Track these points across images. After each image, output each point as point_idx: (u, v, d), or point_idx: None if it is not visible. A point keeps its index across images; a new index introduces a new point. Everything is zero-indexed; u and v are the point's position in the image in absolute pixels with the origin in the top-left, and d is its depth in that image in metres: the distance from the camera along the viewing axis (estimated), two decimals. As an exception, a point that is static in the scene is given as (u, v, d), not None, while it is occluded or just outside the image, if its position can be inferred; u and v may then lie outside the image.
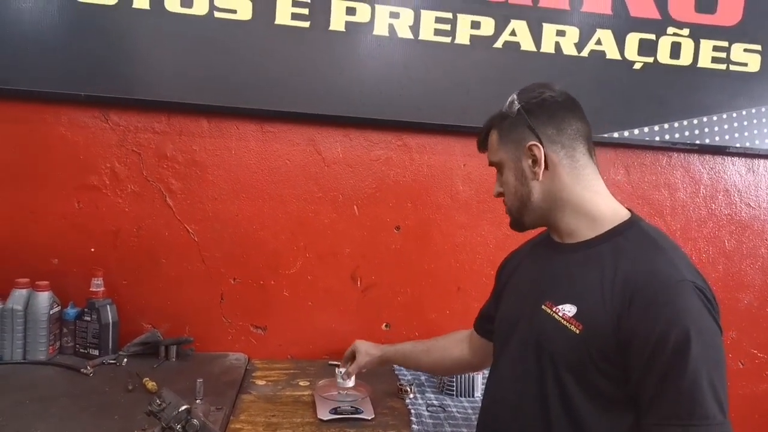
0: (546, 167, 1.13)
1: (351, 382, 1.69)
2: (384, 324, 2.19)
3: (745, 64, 2.14)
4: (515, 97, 1.17)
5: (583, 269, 1.09)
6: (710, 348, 0.96)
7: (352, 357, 1.69)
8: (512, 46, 2.05)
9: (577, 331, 1.04)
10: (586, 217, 1.13)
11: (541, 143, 1.13)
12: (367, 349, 1.68)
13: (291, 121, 2.05)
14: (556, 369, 1.07)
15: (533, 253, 1.30)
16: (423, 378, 1.95)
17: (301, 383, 1.86)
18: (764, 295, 2.36)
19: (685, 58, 2.11)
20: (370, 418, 1.59)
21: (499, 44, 2.04)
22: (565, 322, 1.06)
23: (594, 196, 1.14)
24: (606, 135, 2.12)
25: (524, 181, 1.16)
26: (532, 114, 1.14)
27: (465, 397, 1.81)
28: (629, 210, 1.15)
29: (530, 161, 1.14)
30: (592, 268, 1.08)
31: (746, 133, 2.18)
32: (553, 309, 1.09)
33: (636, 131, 2.13)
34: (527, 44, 2.06)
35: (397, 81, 2.03)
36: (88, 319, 1.89)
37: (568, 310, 1.07)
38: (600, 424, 1.04)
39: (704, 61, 2.13)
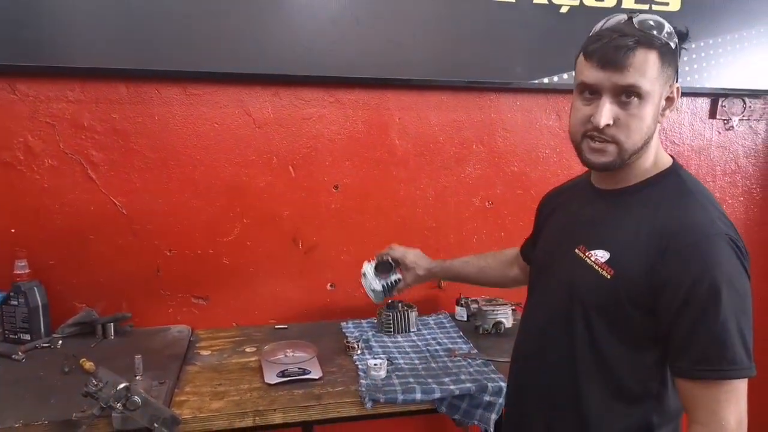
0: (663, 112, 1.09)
1: (383, 373, 1.59)
2: (329, 284, 2.18)
3: (667, 4, 2.18)
4: (671, 29, 1.04)
5: (619, 216, 1.10)
6: (740, 297, 0.99)
7: (390, 266, 1.68)
8: (440, -7, 2.01)
9: (609, 276, 1.06)
10: (646, 166, 1.11)
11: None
12: (416, 261, 1.70)
13: (216, 83, 1.96)
14: (584, 309, 1.10)
15: (573, 195, 1.28)
16: (370, 334, 1.95)
17: (248, 350, 1.84)
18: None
19: (610, 0, 2.13)
20: (318, 377, 1.60)
21: (427, -7, 2.00)
22: (597, 267, 1.08)
23: (658, 145, 1.12)
24: (536, 81, 2.14)
25: (656, 121, 1.07)
26: (679, 54, 1.07)
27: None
28: (671, 156, 1.14)
29: (667, 102, 1.07)
30: (628, 216, 1.09)
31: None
32: (586, 253, 1.11)
33: (565, 76, 2.14)
34: (455, -10, 2.02)
35: (326, 36, 1.96)
36: (15, 303, 1.79)
37: (601, 255, 1.08)
38: (623, 360, 1.08)
39: (628, 2, 2.15)
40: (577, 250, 1.14)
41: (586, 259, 1.11)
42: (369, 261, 1.73)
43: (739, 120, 2.43)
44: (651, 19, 1.04)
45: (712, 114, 2.41)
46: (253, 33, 1.91)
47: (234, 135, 2.01)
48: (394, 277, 1.69)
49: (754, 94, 2.38)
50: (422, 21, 2.02)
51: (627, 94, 1.02)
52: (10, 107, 1.84)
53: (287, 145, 2.06)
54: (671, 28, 1.05)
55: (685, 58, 2.22)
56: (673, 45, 1.05)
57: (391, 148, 2.15)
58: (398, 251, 1.72)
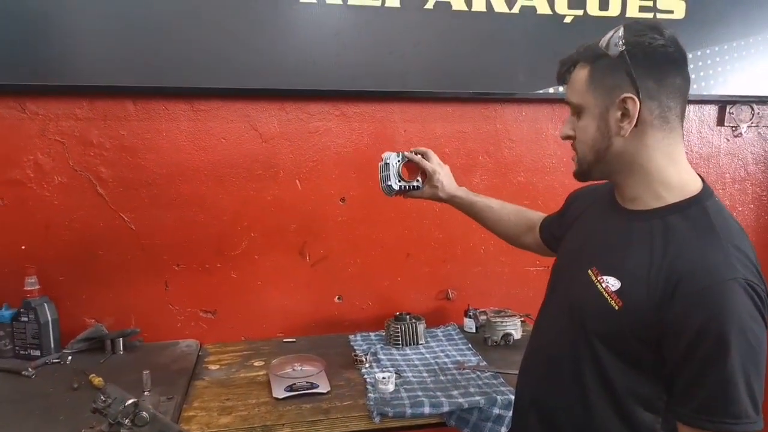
0: (636, 124, 1.01)
1: (391, 386, 1.58)
2: (336, 297, 2.17)
3: (671, 12, 2.18)
4: (621, 35, 1.00)
5: (635, 243, 1.04)
6: (751, 348, 0.91)
7: (417, 171, 1.57)
8: (443, 7, 2.01)
9: (617, 307, 1.01)
10: (654, 187, 1.04)
11: (638, 98, 1.00)
12: (442, 180, 1.56)
13: (223, 98, 1.98)
14: (586, 333, 1.06)
15: (597, 206, 1.22)
16: (378, 347, 1.95)
17: (256, 364, 1.84)
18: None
19: (614, 9, 2.13)
20: (326, 391, 1.59)
21: (429, 5, 2.00)
22: (606, 295, 1.03)
23: (670, 165, 1.04)
24: (541, 91, 2.14)
25: (606, 135, 1.04)
26: (636, 60, 0.99)
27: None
28: (703, 181, 1.06)
29: (620, 114, 1.02)
30: (643, 244, 1.02)
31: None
32: (598, 278, 1.06)
33: (570, 85, 2.14)
34: (458, 4, 2.02)
35: (330, 49, 1.97)
36: (26, 319, 1.80)
37: (612, 283, 1.03)
38: (631, 385, 1.04)
39: (632, 11, 2.15)
40: (590, 272, 1.08)
41: (598, 284, 1.06)
42: (397, 153, 1.58)
43: (748, 127, 2.41)
44: (613, 30, 1.02)
45: (720, 121, 2.40)
46: (258, 48, 1.92)
47: (241, 149, 2.02)
48: (415, 183, 1.57)
49: (762, 100, 2.37)
50: (426, 32, 2.02)
51: (573, 109, 1.09)
52: (20, 125, 1.87)
53: (294, 159, 2.07)
54: (621, 33, 1.00)
55: (692, 66, 2.22)
56: (616, 54, 1.00)
57: (397, 160, 2.15)
58: (431, 164, 1.57)
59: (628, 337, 1.00)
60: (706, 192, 1.04)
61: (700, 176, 1.08)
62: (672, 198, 1.03)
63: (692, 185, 1.05)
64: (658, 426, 1.04)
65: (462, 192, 1.59)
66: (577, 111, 1.08)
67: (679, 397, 0.97)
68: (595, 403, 1.07)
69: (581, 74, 1.05)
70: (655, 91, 1.00)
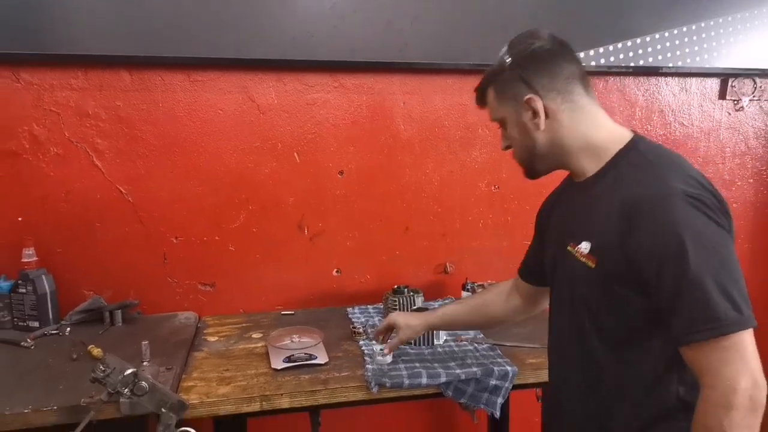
0: (547, 116, 1.14)
1: (389, 358, 1.60)
2: (335, 270, 2.18)
3: (675, -17, 2.14)
4: (505, 51, 1.17)
5: (594, 204, 1.13)
6: (711, 249, 0.97)
7: (388, 329, 1.62)
8: (444, -24, 1.98)
9: (593, 266, 1.09)
10: (590, 154, 1.15)
11: (538, 94, 1.13)
12: (407, 322, 1.58)
13: (220, 68, 1.95)
14: (586, 303, 1.13)
15: (563, 195, 1.32)
16: (377, 319, 1.96)
17: (255, 336, 1.85)
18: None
19: (616, -19, 2.10)
20: (324, 362, 1.60)
21: (430, -26, 1.97)
22: (584, 259, 1.12)
23: (595, 131, 1.15)
24: (543, 63, 2.11)
25: (528, 134, 1.17)
26: (523, 67, 1.14)
27: (425, 345, 1.76)
28: (632, 131, 1.16)
29: (530, 114, 1.15)
30: (598, 201, 1.12)
31: (678, 52, 2.20)
32: (576, 249, 1.14)
33: (572, 57, 2.11)
34: (459, -27, 1.99)
35: (327, 20, 1.94)
36: (24, 290, 1.80)
37: (584, 247, 1.12)
38: (633, 349, 1.10)
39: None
40: (569, 249, 1.17)
41: (576, 254, 1.14)
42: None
43: (750, 100, 2.40)
44: (502, 49, 1.18)
45: (722, 94, 2.37)
46: (255, 18, 1.89)
47: (238, 121, 2.00)
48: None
49: (765, 73, 2.35)
50: (423, 3, 1.99)
51: (499, 125, 1.23)
52: (15, 95, 1.84)
53: (292, 131, 2.05)
54: (505, 50, 1.16)
55: (695, 38, 2.20)
56: (506, 67, 1.15)
57: (395, 133, 2.13)
58: (396, 326, 1.61)
59: (613, 288, 1.08)
60: (636, 139, 1.15)
61: (633, 131, 1.17)
62: (609, 154, 1.14)
63: (622, 137, 1.15)
64: (661, 370, 1.08)
65: (428, 313, 1.62)
66: (502, 124, 1.22)
67: (668, 324, 1.01)
68: (603, 364, 1.13)
69: (491, 95, 1.21)
70: (550, 84, 1.13)
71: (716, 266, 0.97)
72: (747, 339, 0.95)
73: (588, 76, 1.18)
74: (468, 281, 2.14)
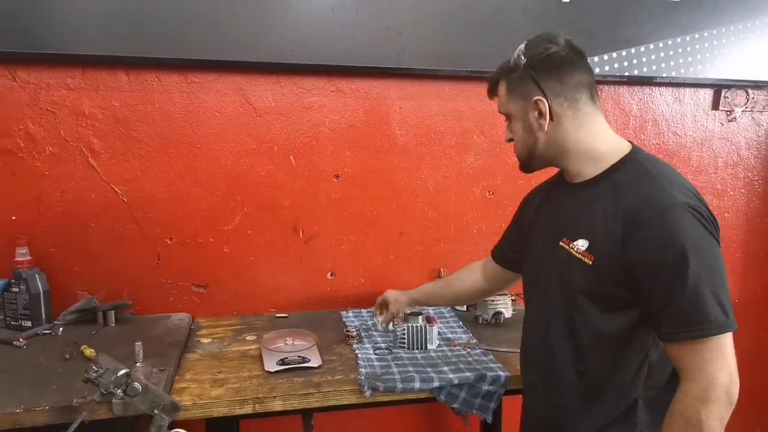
0: (551, 119, 1.21)
1: (390, 327, 1.86)
2: (329, 273, 2.18)
3: (669, -6, 2.17)
4: (522, 51, 1.22)
5: (590, 206, 1.20)
6: (707, 259, 1.06)
7: (384, 305, 1.84)
8: (442, -17, 1.99)
9: (590, 262, 1.17)
10: (589, 159, 1.23)
11: (546, 97, 1.20)
12: (396, 297, 1.81)
13: (217, 70, 1.96)
14: (574, 295, 1.21)
15: (552, 193, 1.39)
16: (370, 323, 1.96)
17: (248, 338, 1.85)
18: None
19: (612, -11, 2.12)
20: (317, 365, 1.60)
21: (428, -19, 1.98)
22: (579, 256, 1.19)
23: (596, 139, 1.23)
24: (539, 71, 2.12)
25: (531, 132, 1.25)
26: (537, 69, 1.20)
27: (418, 350, 1.75)
28: (630, 143, 1.24)
29: (536, 114, 1.22)
30: (597, 204, 1.19)
31: (672, 63, 2.22)
32: (570, 245, 1.22)
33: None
34: (457, -20, 2.00)
35: (326, 25, 1.95)
36: (17, 290, 1.80)
37: (582, 244, 1.20)
38: (616, 347, 1.19)
39: (628, -8, 2.14)
40: (562, 244, 1.25)
41: (572, 250, 1.22)
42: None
43: (742, 111, 2.42)
44: (518, 48, 1.23)
45: (715, 105, 2.40)
46: (253, 21, 1.90)
47: (234, 123, 2.00)
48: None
49: (758, 85, 2.37)
50: (424, 9, 2.00)
51: (505, 117, 1.31)
52: (11, 94, 1.84)
53: (288, 134, 2.05)
54: (522, 50, 1.22)
55: (689, 49, 2.22)
56: (521, 67, 1.21)
57: (391, 138, 2.14)
58: (388, 303, 1.84)
59: (608, 285, 1.16)
60: (635, 150, 1.23)
61: (630, 142, 1.25)
62: (608, 162, 1.21)
63: (621, 147, 1.23)
64: (645, 365, 1.19)
65: (412, 290, 1.81)
66: (508, 118, 1.30)
67: (658, 321, 1.11)
68: (590, 355, 1.22)
69: (502, 89, 1.28)
70: (559, 89, 1.20)
71: (710, 274, 1.06)
72: (728, 340, 1.07)
73: (596, 86, 1.24)
74: (461, 286, 2.15)
